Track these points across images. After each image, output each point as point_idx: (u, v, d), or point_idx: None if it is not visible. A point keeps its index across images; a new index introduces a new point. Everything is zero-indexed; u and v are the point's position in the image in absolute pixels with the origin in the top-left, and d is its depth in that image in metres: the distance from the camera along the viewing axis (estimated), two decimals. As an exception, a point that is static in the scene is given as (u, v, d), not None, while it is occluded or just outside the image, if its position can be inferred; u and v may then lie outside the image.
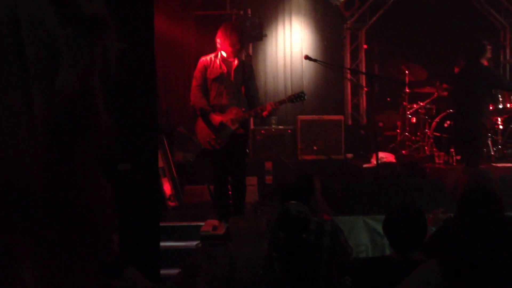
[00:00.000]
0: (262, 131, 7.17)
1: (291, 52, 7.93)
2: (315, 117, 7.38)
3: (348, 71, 7.93)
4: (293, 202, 1.73)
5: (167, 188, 6.03)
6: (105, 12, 0.42)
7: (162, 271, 3.81)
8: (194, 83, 4.94)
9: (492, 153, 6.50)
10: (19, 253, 0.31)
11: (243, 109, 4.91)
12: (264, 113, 4.88)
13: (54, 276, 0.35)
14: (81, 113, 0.37)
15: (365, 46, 8.07)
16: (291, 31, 7.95)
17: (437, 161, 6.36)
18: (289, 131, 7.28)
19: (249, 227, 1.52)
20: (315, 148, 7.10)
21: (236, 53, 4.90)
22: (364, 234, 4.40)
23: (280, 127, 7.36)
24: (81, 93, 0.38)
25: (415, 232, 2.59)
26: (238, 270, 1.44)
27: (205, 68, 4.90)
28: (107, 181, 0.40)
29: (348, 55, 8.04)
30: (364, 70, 7.93)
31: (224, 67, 4.90)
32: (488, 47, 5.82)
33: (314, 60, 6.20)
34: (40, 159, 0.33)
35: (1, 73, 0.34)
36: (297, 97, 5.03)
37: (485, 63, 5.78)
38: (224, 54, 4.89)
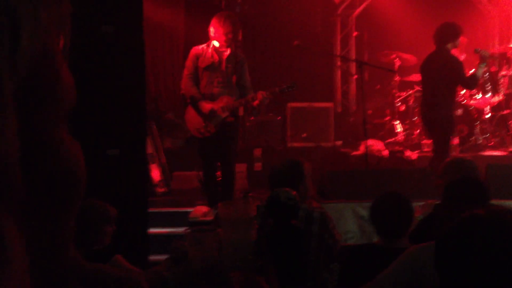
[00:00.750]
0: (252, 118, 7.15)
1: (281, 38, 7.89)
2: (304, 104, 7.37)
3: (338, 58, 7.92)
4: (282, 188, 1.72)
5: (155, 174, 6.01)
6: None
7: (151, 257, 3.80)
8: (186, 72, 4.96)
9: (480, 142, 6.54)
10: (5, 227, 0.30)
11: (234, 98, 4.92)
12: (255, 102, 4.90)
13: (31, 235, 0.34)
14: (44, 74, 0.36)
15: (355, 33, 8.06)
16: (281, 17, 7.90)
17: (425, 149, 6.40)
18: (279, 118, 7.27)
19: (238, 213, 1.51)
20: (304, 135, 7.11)
21: (229, 43, 4.90)
22: (352, 221, 4.42)
23: (269, 114, 7.35)
24: (43, 55, 0.36)
25: (401, 219, 2.59)
26: (227, 255, 1.43)
27: (197, 57, 4.91)
28: (73, 139, 0.39)
29: (338, 42, 8.03)
30: (353, 57, 7.93)
31: (216, 56, 4.91)
32: (462, 36, 5.24)
33: (304, 47, 6.18)
34: (14, 132, 0.32)
35: None
36: (288, 88, 5.06)
37: (452, 51, 5.18)
38: (216, 44, 4.90)
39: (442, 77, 5.06)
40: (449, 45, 5.12)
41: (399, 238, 2.60)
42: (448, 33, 5.11)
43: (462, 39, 7.03)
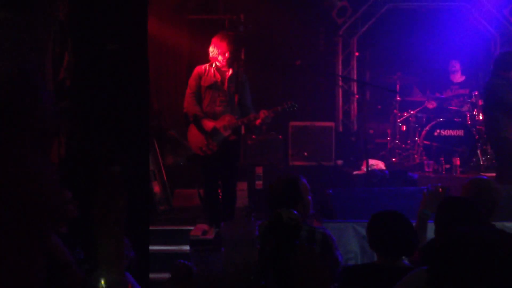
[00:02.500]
0: (253, 136, 7.17)
1: (283, 58, 7.95)
2: (306, 123, 7.40)
3: (340, 78, 7.97)
4: (284, 208, 1.73)
5: (157, 191, 6.01)
6: None
7: (151, 275, 3.78)
8: (188, 90, 5.02)
9: (482, 163, 6.55)
10: None
11: (236, 117, 4.96)
12: (258, 121, 4.94)
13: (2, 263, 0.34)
14: (20, 97, 0.35)
15: (356, 54, 8.12)
16: (284, 37, 7.97)
17: (426, 169, 6.40)
18: (280, 136, 7.29)
19: (241, 233, 1.51)
20: (305, 154, 7.12)
21: (229, 62, 4.96)
22: (353, 240, 4.40)
23: (271, 132, 7.37)
24: (20, 77, 0.36)
25: (398, 237, 2.56)
26: (230, 275, 1.43)
27: (200, 76, 4.98)
28: (50, 165, 0.38)
29: (340, 62, 8.08)
30: (355, 77, 7.97)
31: (218, 76, 4.97)
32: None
33: (306, 67, 6.22)
34: None
35: None
36: (290, 107, 5.11)
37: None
38: (218, 63, 4.95)
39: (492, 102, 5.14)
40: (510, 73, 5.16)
41: (398, 257, 2.57)
42: (508, 61, 5.16)
43: (454, 63, 7.09)
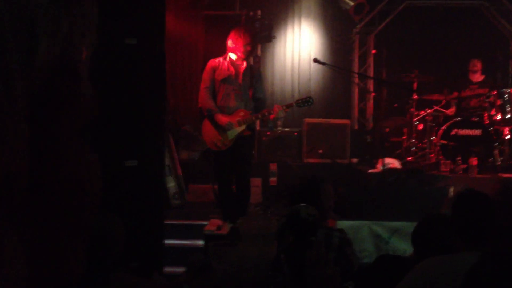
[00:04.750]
0: (268, 133, 7.16)
1: (299, 54, 7.92)
2: (321, 120, 7.36)
3: (356, 76, 7.92)
4: (303, 204, 1.71)
5: (171, 186, 6.03)
6: None
7: (164, 269, 3.80)
8: (202, 85, 5.00)
9: (499, 163, 6.46)
10: (5, 237, 0.29)
11: (250, 112, 4.94)
12: (271, 116, 4.91)
13: (40, 254, 0.33)
14: (63, 84, 0.34)
15: (373, 51, 8.05)
16: (300, 33, 7.93)
17: (442, 169, 6.33)
18: (295, 133, 7.27)
19: (259, 228, 1.50)
20: (320, 151, 7.08)
21: (246, 55, 4.93)
22: (368, 239, 4.39)
23: (286, 129, 7.35)
24: (62, 65, 0.34)
25: (445, 241, 2.56)
26: (247, 270, 1.43)
27: (213, 70, 4.95)
28: (92, 152, 0.37)
29: (357, 59, 8.02)
30: (372, 75, 7.91)
31: (232, 69, 4.94)
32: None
33: (323, 63, 6.19)
34: (24, 139, 0.31)
35: None
36: (304, 102, 5.06)
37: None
38: (233, 56, 4.94)
39: None
40: None
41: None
42: None
43: (475, 62, 6.99)
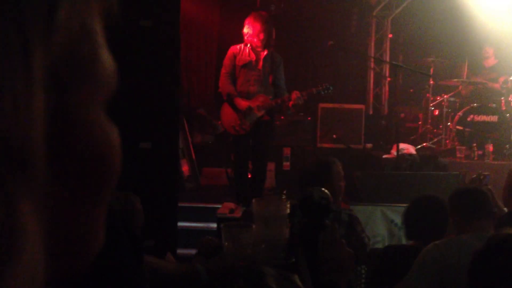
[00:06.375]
0: (282, 117, 7.14)
1: (315, 38, 7.86)
2: (336, 105, 7.32)
3: (372, 60, 7.84)
4: (316, 187, 1.71)
5: (185, 169, 6.06)
6: None
7: (178, 251, 3.84)
8: (223, 70, 5.03)
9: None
10: (21, 212, 0.29)
11: (270, 97, 4.95)
12: (291, 103, 4.92)
13: (58, 228, 0.33)
14: (83, 53, 0.33)
15: (390, 36, 7.96)
16: (316, 17, 7.87)
17: (458, 155, 6.27)
18: (309, 118, 7.24)
19: (272, 210, 1.51)
20: (334, 136, 7.06)
21: (263, 43, 4.93)
22: (381, 224, 4.37)
23: (300, 113, 7.33)
24: (83, 32, 0.34)
25: (436, 222, 2.58)
26: (260, 252, 1.43)
27: (234, 55, 4.97)
28: (112, 126, 0.36)
29: (373, 44, 7.94)
30: (388, 59, 7.83)
31: (253, 55, 4.96)
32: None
33: (339, 48, 6.14)
34: (40, 109, 0.30)
35: None
36: (324, 90, 5.08)
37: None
38: (253, 44, 4.94)
39: None
40: None
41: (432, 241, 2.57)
42: None
43: (487, 49, 6.88)
